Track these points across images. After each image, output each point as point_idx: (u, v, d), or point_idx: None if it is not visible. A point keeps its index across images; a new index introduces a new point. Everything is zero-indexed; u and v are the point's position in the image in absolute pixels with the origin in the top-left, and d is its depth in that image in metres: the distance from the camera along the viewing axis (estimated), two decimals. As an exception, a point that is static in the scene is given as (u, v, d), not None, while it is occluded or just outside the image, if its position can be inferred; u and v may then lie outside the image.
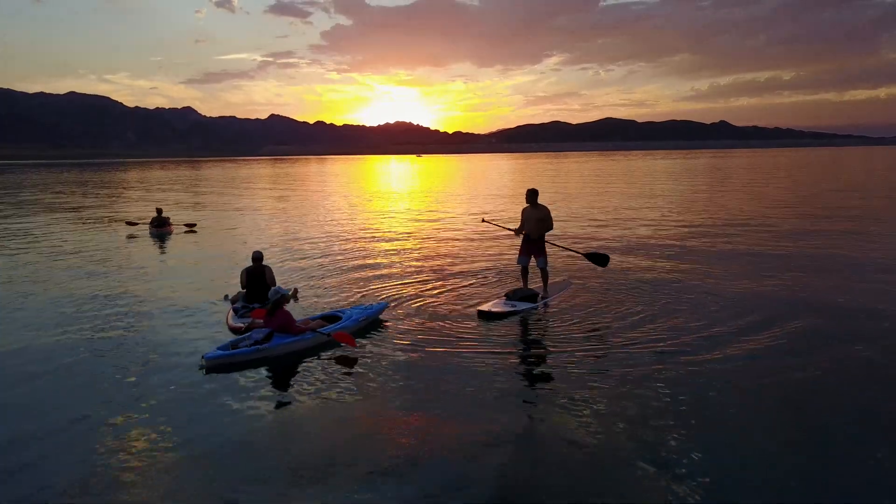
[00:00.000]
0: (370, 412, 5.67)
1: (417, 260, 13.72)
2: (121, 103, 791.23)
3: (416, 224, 20.94)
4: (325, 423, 5.51)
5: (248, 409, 5.76)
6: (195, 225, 19.73)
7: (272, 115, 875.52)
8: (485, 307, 8.83)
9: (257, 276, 9.06)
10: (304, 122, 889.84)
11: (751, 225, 18.38)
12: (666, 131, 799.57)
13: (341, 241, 16.93)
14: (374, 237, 17.76)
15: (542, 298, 9.25)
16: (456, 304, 9.42)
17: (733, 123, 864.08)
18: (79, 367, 6.93)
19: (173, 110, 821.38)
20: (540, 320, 8.53)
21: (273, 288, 7.42)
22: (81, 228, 20.99)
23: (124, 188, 48.62)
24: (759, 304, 9.02)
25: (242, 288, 9.18)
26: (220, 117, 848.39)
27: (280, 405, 5.88)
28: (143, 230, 19.13)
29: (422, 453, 4.86)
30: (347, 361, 6.94)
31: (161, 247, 16.73)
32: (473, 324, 8.37)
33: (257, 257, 9.28)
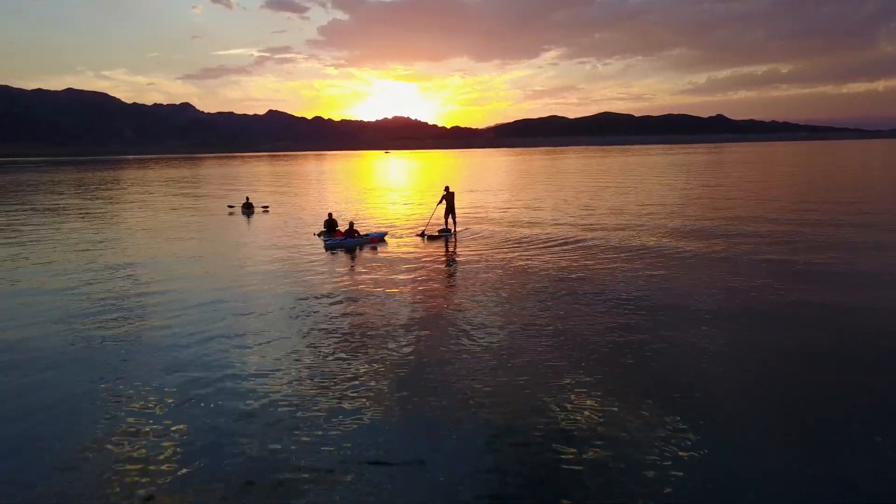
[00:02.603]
0: (372, 260, 17.68)
1: (396, 217, 25.81)
2: (119, 100, 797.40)
3: (395, 206, 32.97)
4: (359, 271, 17.56)
5: (346, 268, 17.83)
6: (268, 207, 31.70)
7: (270, 111, 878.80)
8: (425, 233, 20.98)
9: (331, 221, 21.20)
10: (303, 118, 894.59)
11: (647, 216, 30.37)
12: (663, 125, 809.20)
13: (355, 209, 28.93)
14: (373, 209, 29.79)
15: (453, 233, 21.37)
16: (414, 236, 21.45)
17: (730, 117, 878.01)
18: (254, 266, 18.93)
19: (171, 106, 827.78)
20: (450, 242, 20.48)
21: (350, 219, 19.66)
22: (196, 211, 32.87)
23: (186, 185, 60.34)
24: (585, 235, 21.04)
25: (324, 227, 21.26)
26: (217, 113, 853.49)
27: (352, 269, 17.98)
28: (236, 211, 31.08)
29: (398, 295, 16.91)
30: (373, 251, 18.98)
31: (249, 220, 28.58)
32: (420, 241, 20.40)
33: (330, 213, 21.45)
